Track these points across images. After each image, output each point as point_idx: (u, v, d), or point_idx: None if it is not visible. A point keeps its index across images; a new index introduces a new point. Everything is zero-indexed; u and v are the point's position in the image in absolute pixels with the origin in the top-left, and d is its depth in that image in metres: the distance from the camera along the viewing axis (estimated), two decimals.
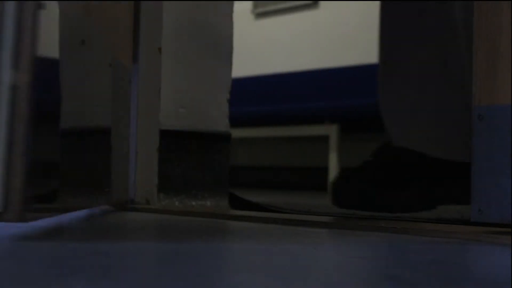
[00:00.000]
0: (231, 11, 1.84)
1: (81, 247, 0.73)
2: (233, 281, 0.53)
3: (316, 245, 0.77)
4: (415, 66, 1.19)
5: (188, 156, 1.71)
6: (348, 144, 3.43)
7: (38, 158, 0.75)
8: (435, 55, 1.14)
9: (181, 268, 0.58)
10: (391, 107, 1.22)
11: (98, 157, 1.13)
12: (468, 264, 0.71)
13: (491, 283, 0.55)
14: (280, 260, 0.66)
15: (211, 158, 1.76)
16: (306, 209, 1.31)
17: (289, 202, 1.93)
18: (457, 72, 1.12)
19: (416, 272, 0.60)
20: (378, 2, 1.19)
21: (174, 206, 1.49)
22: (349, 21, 3.39)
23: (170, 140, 1.65)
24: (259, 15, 4.35)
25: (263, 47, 4.07)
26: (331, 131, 3.47)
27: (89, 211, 1.31)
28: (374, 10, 1.14)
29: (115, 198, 1.36)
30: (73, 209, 1.03)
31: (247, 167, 3.95)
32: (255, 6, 4.37)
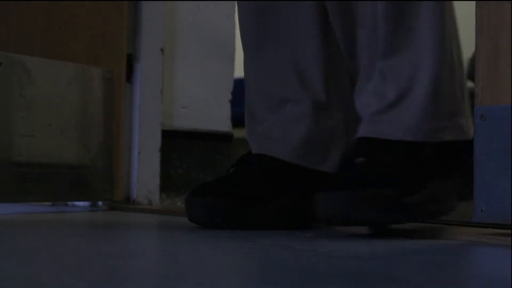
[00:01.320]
0: (233, 11, 1.85)
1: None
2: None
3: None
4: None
5: (190, 156, 1.71)
6: None
7: None
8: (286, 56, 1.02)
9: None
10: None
11: None
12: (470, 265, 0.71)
13: (492, 283, 0.55)
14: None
15: (213, 158, 1.76)
16: None
17: None
18: (313, 78, 1.00)
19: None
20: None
21: (175, 206, 1.49)
22: None
23: (172, 140, 1.65)
24: None
25: None
26: None
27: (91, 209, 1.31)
28: None
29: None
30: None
31: None
32: None
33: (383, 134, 0.92)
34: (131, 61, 1.42)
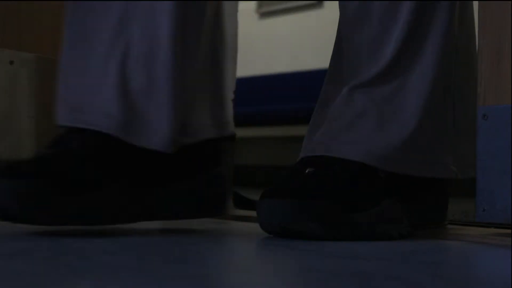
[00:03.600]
0: (236, 11, 1.84)
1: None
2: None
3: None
4: None
5: None
6: None
7: None
8: None
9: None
10: None
11: None
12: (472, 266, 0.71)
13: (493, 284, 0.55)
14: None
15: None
16: None
17: None
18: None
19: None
20: None
21: None
22: None
23: None
24: (264, 14, 4.35)
25: (267, 46, 4.07)
26: None
27: None
28: None
29: None
30: None
31: (250, 166, 3.96)
32: (259, 6, 4.37)
33: (343, 154, 0.85)
34: None
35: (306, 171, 0.83)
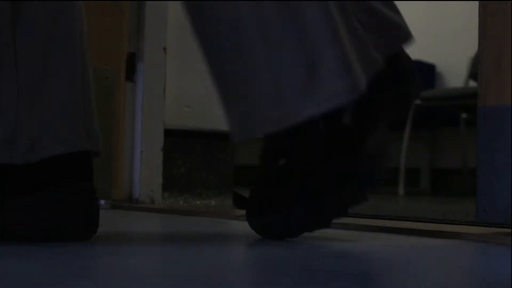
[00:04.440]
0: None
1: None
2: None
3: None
4: None
5: (192, 155, 1.71)
6: None
7: None
8: None
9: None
10: None
11: None
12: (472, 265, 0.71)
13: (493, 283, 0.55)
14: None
15: (216, 157, 1.76)
16: None
17: None
18: None
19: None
20: None
21: (178, 205, 1.49)
22: None
23: (174, 139, 1.65)
24: None
25: None
26: None
27: None
28: None
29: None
30: None
31: (250, 166, 3.95)
32: None
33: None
34: (134, 60, 1.42)
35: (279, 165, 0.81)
